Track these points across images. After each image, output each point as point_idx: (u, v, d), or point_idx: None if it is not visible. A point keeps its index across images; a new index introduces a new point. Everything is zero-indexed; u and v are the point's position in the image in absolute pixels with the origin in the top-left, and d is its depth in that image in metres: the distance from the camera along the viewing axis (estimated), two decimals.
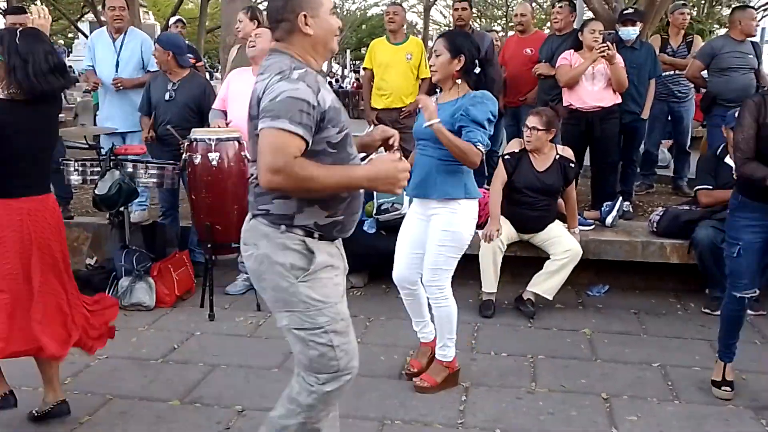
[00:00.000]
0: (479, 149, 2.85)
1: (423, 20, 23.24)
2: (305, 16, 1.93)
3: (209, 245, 4.04)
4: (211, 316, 4.00)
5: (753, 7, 5.89)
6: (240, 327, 3.92)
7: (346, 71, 35.99)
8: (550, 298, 4.09)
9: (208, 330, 3.86)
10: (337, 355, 2.00)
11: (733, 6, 6.01)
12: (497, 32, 10.57)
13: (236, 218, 3.98)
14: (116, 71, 5.06)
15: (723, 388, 3.08)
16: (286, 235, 1.93)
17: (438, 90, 3.20)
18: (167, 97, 4.53)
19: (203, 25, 15.32)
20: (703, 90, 5.67)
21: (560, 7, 5.41)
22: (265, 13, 2.11)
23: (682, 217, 4.29)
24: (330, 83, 26.27)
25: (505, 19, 26.07)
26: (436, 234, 2.99)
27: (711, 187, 4.21)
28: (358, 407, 2.96)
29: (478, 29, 6.96)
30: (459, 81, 2.96)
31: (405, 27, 6.02)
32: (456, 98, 2.95)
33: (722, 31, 20.51)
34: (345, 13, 34.54)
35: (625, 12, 5.10)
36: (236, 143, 3.99)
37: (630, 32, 5.02)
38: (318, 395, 2.03)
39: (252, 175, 1.98)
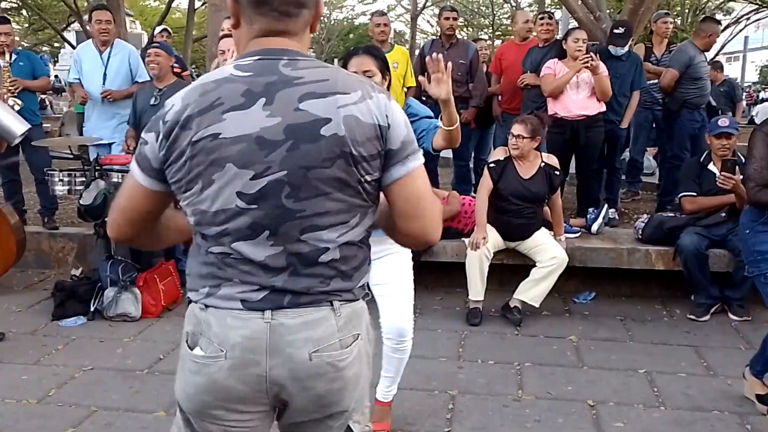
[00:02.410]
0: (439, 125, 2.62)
1: (410, 29, 23.33)
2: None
3: None
4: None
5: (719, 22, 6.03)
6: None
7: None
8: (537, 305, 4.11)
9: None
10: None
11: (704, 16, 6.15)
12: (485, 41, 10.65)
13: None
14: (104, 83, 5.05)
15: None
16: (365, 304, 1.44)
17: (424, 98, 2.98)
18: (152, 101, 4.53)
19: (190, 34, 15.27)
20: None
21: (549, 18, 5.46)
22: None
23: (667, 223, 4.33)
24: None
25: (491, 27, 26.26)
26: (402, 270, 2.63)
27: (695, 194, 4.25)
28: None
29: (465, 38, 6.98)
30: None
31: (392, 36, 6.05)
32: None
33: None
34: (332, 22, 34.68)
35: (615, 32, 5.14)
36: None
37: (619, 50, 5.09)
38: None
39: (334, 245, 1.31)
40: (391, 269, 2.57)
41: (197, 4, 16.39)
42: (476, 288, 4.10)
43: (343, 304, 1.33)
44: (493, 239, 4.14)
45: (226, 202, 1.26)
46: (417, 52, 6.48)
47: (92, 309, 4.08)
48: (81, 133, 5.96)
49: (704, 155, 4.34)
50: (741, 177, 3.41)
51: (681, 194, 4.36)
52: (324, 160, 1.24)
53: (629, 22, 5.36)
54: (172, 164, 1.28)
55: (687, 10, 17.35)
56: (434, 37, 6.82)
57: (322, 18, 1.52)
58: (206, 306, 1.33)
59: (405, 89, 5.56)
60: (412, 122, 2.25)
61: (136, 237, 1.43)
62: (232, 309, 1.30)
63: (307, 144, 1.23)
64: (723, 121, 4.19)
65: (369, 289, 1.49)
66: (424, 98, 5.73)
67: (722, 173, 3.77)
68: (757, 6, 17.37)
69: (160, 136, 1.28)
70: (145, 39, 13.49)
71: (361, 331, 1.37)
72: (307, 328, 1.29)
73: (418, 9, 22.69)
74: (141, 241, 1.47)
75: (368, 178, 1.28)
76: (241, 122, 1.24)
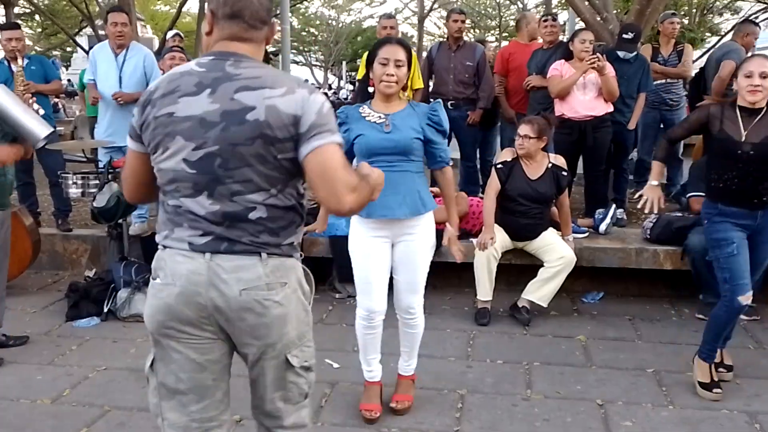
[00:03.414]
0: (450, 164, 2.89)
1: (417, 31, 23.37)
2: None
3: None
4: None
5: (758, 24, 6.04)
6: None
7: (341, 82, 36.18)
8: (545, 305, 4.13)
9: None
10: None
11: (744, 18, 6.24)
12: (491, 42, 10.66)
13: None
14: (119, 86, 5.09)
15: (715, 390, 3.12)
16: (298, 262, 1.78)
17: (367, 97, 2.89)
18: None
19: (200, 38, 15.41)
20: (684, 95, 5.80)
21: (553, 20, 5.48)
22: (242, 9, 1.67)
23: (675, 223, 4.34)
24: (326, 94, 26.43)
25: (498, 29, 26.25)
26: (423, 252, 2.83)
27: (703, 194, 4.24)
28: (356, 414, 2.99)
29: (471, 40, 7.00)
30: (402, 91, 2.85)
31: None
32: (405, 107, 2.79)
33: (714, 40, 20.71)
34: (341, 25, 34.77)
35: (624, 37, 5.15)
36: None
37: (628, 54, 5.11)
38: (309, 427, 1.89)
39: (251, 207, 1.64)
40: (412, 254, 2.82)
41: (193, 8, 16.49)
42: (484, 288, 4.13)
43: (270, 256, 1.67)
44: (501, 239, 4.16)
45: (176, 166, 1.64)
46: (425, 54, 6.52)
47: (106, 310, 4.14)
48: (92, 136, 6.01)
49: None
50: None
51: (689, 194, 4.37)
52: (247, 139, 1.59)
53: (638, 27, 5.36)
54: (143, 132, 1.69)
55: (695, 10, 17.27)
56: (441, 40, 6.83)
57: (330, 22, 2.11)
58: (164, 246, 1.71)
59: (413, 91, 5.60)
60: (433, 143, 2.80)
61: (147, 196, 1.85)
62: (182, 249, 1.66)
63: (236, 126, 1.59)
64: None
65: (302, 250, 1.77)
66: (431, 100, 5.79)
67: None
68: (765, 5, 17.27)
69: (139, 109, 1.70)
70: (157, 43, 13.58)
71: (289, 282, 1.70)
72: (239, 270, 1.64)
73: (425, 11, 22.73)
74: (154, 199, 1.81)
75: (282, 156, 1.61)
76: (190, 105, 1.62)
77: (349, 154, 2.80)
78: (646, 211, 3.23)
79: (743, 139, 2.96)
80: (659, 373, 3.41)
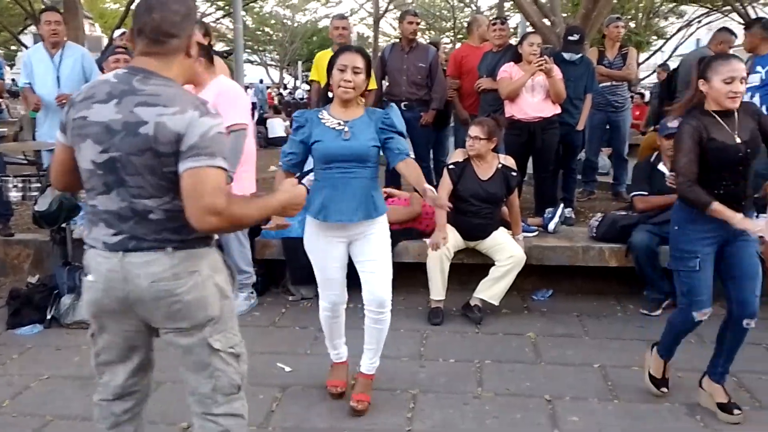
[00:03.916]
0: (412, 157, 2.95)
1: (373, 32, 23.42)
2: (193, 37, 1.86)
3: None
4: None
5: (734, 33, 6.18)
6: None
7: (297, 82, 35.97)
8: (497, 303, 4.19)
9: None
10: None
11: (721, 27, 6.41)
12: (446, 44, 10.76)
13: None
14: (58, 87, 4.94)
15: (661, 388, 3.16)
16: (217, 251, 1.96)
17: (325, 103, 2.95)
18: None
19: None
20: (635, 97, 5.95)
21: (502, 24, 5.56)
22: (143, 22, 1.80)
23: (620, 222, 4.45)
24: (281, 94, 26.22)
25: (453, 31, 26.50)
26: (381, 246, 2.95)
27: (646, 193, 4.38)
28: (307, 418, 2.98)
29: (425, 42, 7.05)
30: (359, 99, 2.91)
31: (354, 40, 6.09)
32: (363, 114, 2.88)
33: (660, 43, 21.37)
34: (296, 24, 34.56)
35: (569, 39, 5.26)
36: None
37: (573, 56, 5.21)
38: (246, 419, 2.04)
39: (147, 210, 1.80)
40: (374, 247, 2.92)
41: None
42: (437, 288, 4.16)
43: (176, 249, 1.83)
44: (453, 239, 4.21)
45: (87, 165, 1.82)
46: (379, 54, 6.53)
47: (49, 317, 4.02)
48: (34, 139, 5.83)
49: (654, 156, 4.47)
50: None
51: (633, 194, 4.49)
52: (139, 150, 1.75)
53: (582, 29, 5.49)
54: (65, 131, 1.87)
55: (641, 14, 17.77)
56: (394, 41, 6.86)
57: (285, 21, 2.16)
58: (89, 246, 1.90)
59: (366, 92, 5.60)
60: (389, 138, 2.85)
61: (72, 185, 1.99)
62: (98, 249, 1.85)
63: (131, 137, 1.75)
64: (673, 123, 4.32)
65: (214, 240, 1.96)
66: (385, 100, 5.81)
67: (672, 173, 3.89)
68: (707, 9, 17.90)
69: (66, 108, 1.88)
70: (105, 42, 13.26)
71: (200, 269, 1.86)
72: (147, 265, 1.81)
73: (381, 12, 22.79)
74: (80, 187, 1.96)
75: (168, 169, 1.76)
76: (100, 112, 1.78)
77: (303, 157, 2.90)
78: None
79: (738, 140, 2.77)
80: (605, 368, 3.49)
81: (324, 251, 2.94)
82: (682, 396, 3.17)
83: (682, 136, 2.80)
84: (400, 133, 2.91)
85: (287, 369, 3.49)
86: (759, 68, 4.93)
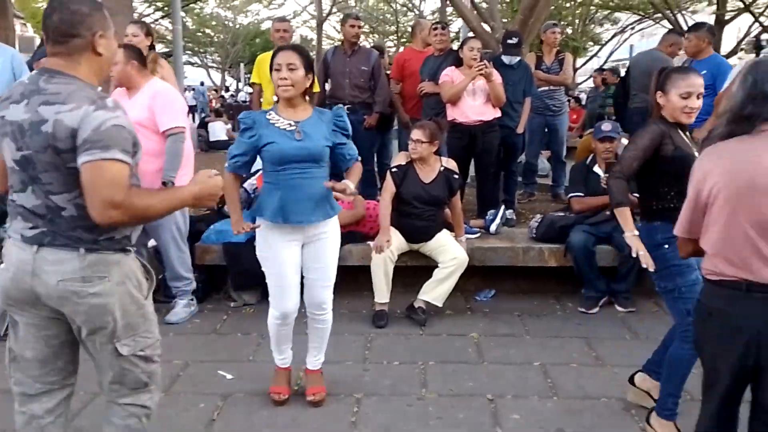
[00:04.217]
0: (359, 159, 3.00)
1: (316, 35, 23.34)
2: (100, 35, 1.88)
3: None
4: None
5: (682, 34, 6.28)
6: None
7: (240, 85, 35.47)
8: (440, 305, 4.23)
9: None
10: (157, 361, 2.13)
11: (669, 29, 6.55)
12: (389, 48, 10.81)
13: None
14: None
15: None
16: (132, 257, 2.01)
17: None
18: None
19: None
20: (573, 101, 6.08)
21: (443, 28, 5.63)
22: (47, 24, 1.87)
23: (558, 222, 4.57)
24: (222, 97, 25.80)
25: (396, 35, 26.66)
26: (334, 249, 3.00)
27: (582, 195, 4.51)
28: (250, 426, 2.94)
29: (368, 45, 7.07)
30: (305, 98, 2.86)
31: (297, 42, 6.05)
32: (312, 114, 2.86)
33: (595, 48, 22.05)
34: (238, 26, 34.09)
35: (508, 42, 5.37)
36: None
37: (512, 60, 5.32)
38: (152, 410, 2.12)
39: (61, 208, 1.85)
40: (327, 252, 2.97)
41: None
42: (381, 290, 4.17)
43: (89, 251, 1.87)
44: (396, 242, 4.23)
45: (9, 163, 1.90)
46: (322, 57, 6.52)
47: None
48: None
49: (590, 158, 4.61)
50: None
51: (570, 195, 4.62)
52: (42, 147, 1.80)
53: (519, 33, 5.61)
54: None
55: (577, 21, 18.31)
56: (336, 44, 6.85)
57: (226, 23, 2.17)
58: (9, 236, 1.96)
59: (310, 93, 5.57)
60: (340, 144, 2.88)
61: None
62: (16, 240, 1.92)
63: (36, 135, 1.81)
64: (606, 126, 4.48)
65: (135, 246, 2.02)
66: (328, 103, 5.79)
67: (606, 174, 4.02)
68: (640, 17, 18.59)
69: None
70: (38, 42, 12.76)
71: (111, 276, 1.90)
72: (59, 263, 1.86)
73: (324, 15, 22.72)
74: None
75: (71, 165, 1.79)
76: (15, 112, 1.85)
77: (250, 158, 2.88)
78: (644, 265, 2.68)
79: (696, 153, 2.64)
80: (545, 366, 3.57)
81: (280, 256, 2.90)
82: (618, 390, 3.27)
83: (643, 134, 2.74)
84: (349, 136, 2.95)
85: (229, 376, 3.43)
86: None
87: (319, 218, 2.87)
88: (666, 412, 2.80)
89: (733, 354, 1.95)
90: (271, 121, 2.82)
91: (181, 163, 3.94)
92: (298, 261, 2.95)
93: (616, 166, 2.80)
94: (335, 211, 2.95)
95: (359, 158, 2.99)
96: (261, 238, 2.93)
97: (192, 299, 4.35)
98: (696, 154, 2.63)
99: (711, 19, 15.11)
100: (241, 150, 2.84)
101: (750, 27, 16.20)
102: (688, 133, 2.80)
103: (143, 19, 19.81)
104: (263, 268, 2.98)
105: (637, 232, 2.74)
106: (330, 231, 2.97)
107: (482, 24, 6.32)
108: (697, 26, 5.59)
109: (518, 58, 5.37)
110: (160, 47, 26.73)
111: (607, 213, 4.45)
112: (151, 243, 4.47)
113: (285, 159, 2.78)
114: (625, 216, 2.75)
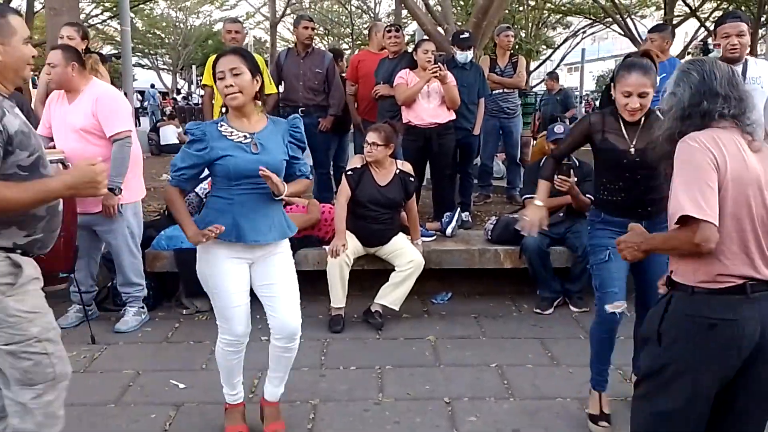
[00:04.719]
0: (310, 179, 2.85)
1: (270, 37, 23.10)
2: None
3: None
4: None
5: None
6: (72, 363, 3.48)
7: (192, 87, 34.88)
8: (397, 308, 4.21)
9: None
10: (52, 362, 2.09)
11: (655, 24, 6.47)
12: (345, 50, 10.77)
13: (62, 246, 3.71)
14: None
15: (601, 423, 2.93)
16: (5, 256, 1.99)
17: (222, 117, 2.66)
18: None
19: (29, 38, 14.09)
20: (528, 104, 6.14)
21: (396, 31, 5.62)
22: None
23: (513, 224, 4.59)
24: (175, 99, 25.29)
25: (351, 37, 26.63)
26: (288, 270, 2.75)
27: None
28: None
29: (322, 47, 7.03)
30: (256, 104, 2.64)
31: (251, 44, 5.96)
32: (267, 124, 2.65)
33: (548, 52, 22.43)
34: (189, 28, 33.51)
35: (460, 36, 5.40)
36: (60, 166, 3.71)
37: (466, 56, 5.34)
38: (41, 408, 2.09)
39: None
40: (277, 269, 2.70)
41: (37, 7, 15.20)
42: (337, 295, 4.13)
43: None
44: (352, 246, 4.19)
45: None
46: (275, 59, 6.44)
47: None
48: None
49: (544, 160, 4.65)
50: (576, 179, 3.67)
51: (524, 197, 4.65)
52: None
53: (469, 30, 5.65)
54: None
55: (530, 24, 18.60)
56: (290, 46, 6.78)
57: (177, 24, 2.17)
58: None
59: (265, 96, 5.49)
60: (294, 158, 2.69)
61: None
62: None
63: None
64: (558, 128, 4.53)
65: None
66: (281, 105, 5.72)
67: (559, 176, 4.03)
68: (592, 21, 18.99)
69: None
70: None
71: None
72: None
73: (278, 17, 22.53)
74: None
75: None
76: None
77: (198, 172, 2.64)
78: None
79: (630, 148, 2.78)
80: (501, 367, 3.59)
81: (228, 275, 2.63)
82: (573, 390, 3.31)
83: (578, 123, 2.96)
84: (304, 149, 2.76)
85: (181, 386, 3.34)
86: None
87: (276, 237, 2.66)
88: (593, 382, 3.03)
89: (733, 359, 1.88)
90: (223, 133, 2.56)
91: (127, 168, 3.86)
92: (247, 281, 2.69)
93: (554, 147, 3.01)
94: (292, 230, 2.75)
95: (311, 177, 2.79)
96: (203, 255, 2.66)
97: (142, 307, 4.23)
98: (631, 149, 2.77)
99: None
100: (189, 163, 2.58)
101: (696, 31, 16.73)
102: (642, 127, 2.76)
103: (90, 20, 19.29)
104: (205, 288, 2.70)
105: (540, 203, 2.98)
106: (284, 249, 2.76)
107: (436, 27, 6.33)
108: (661, 27, 5.59)
109: (471, 56, 5.38)
110: (108, 49, 26.09)
111: (561, 215, 4.51)
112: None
113: (241, 174, 2.54)
114: (540, 188, 3.04)
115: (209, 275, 2.66)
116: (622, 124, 2.81)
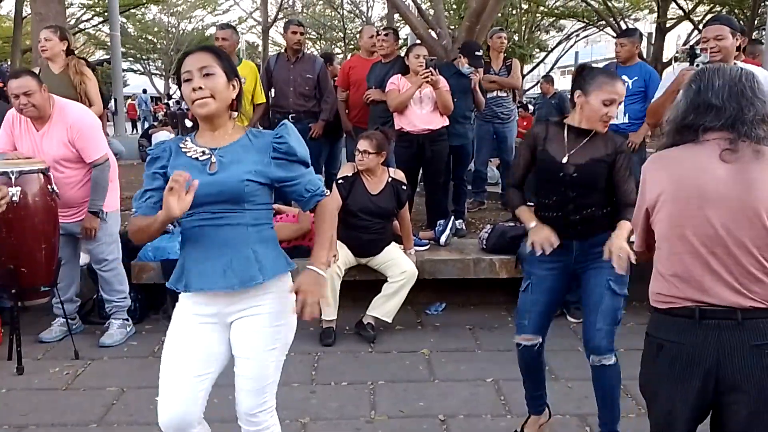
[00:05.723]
0: (328, 194, 2.22)
1: (262, 41, 23.00)
2: None
3: (14, 291, 3.62)
4: (19, 369, 3.58)
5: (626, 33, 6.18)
6: (54, 379, 3.52)
7: None
8: (390, 320, 4.11)
9: (16, 385, 3.46)
10: None
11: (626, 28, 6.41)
12: (337, 55, 10.70)
13: (44, 259, 3.64)
14: None
15: None
16: None
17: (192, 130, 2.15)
18: None
19: (18, 44, 13.97)
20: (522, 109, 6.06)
21: (386, 35, 5.53)
22: None
23: (508, 233, 4.51)
24: (167, 104, 25.18)
25: (343, 41, 26.57)
26: (265, 335, 2.04)
27: (533, 204, 4.44)
28: None
29: (314, 53, 6.93)
30: (231, 115, 2.09)
31: (243, 49, 5.87)
32: (240, 137, 2.06)
33: (542, 55, 22.45)
34: (181, 33, 33.39)
35: (475, 53, 5.32)
36: (41, 176, 3.61)
37: (467, 68, 5.25)
38: None
39: None
40: (247, 337, 2.04)
41: (26, 12, 15.07)
42: (328, 307, 4.01)
43: None
44: (343, 256, 4.09)
45: None
46: (264, 65, 6.34)
47: None
48: None
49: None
50: None
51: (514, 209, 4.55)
52: None
53: (478, 44, 5.58)
54: None
55: (524, 27, 18.59)
56: (279, 51, 6.68)
57: (169, 29, 1.79)
58: None
59: (254, 105, 5.40)
60: (288, 180, 2.06)
61: None
62: None
63: None
64: None
65: None
66: (271, 112, 5.62)
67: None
68: (585, 24, 19.00)
69: None
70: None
71: None
72: None
73: (270, 21, 22.44)
74: None
75: None
76: None
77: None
78: (538, 252, 2.64)
79: (566, 160, 2.61)
80: (498, 382, 3.48)
81: (181, 339, 2.05)
82: (572, 406, 3.21)
83: (522, 141, 2.86)
84: (304, 162, 2.08)
85: None
86: (625, 78, 5.05)
87: (232, 284, 1.98)
88: (527, 404, 2.94)
89: (692, 391, 1.79)
90: (183, 149, 2.04)
91: (108, 188, 3.89)
92: (205, 349, 2.05)
93: (509, 179, 2.85)
94: (267, 274, 2.01)
95: (327, 192, 2.17)
96: (176, 309, 2.14)
97: (128, 320, 4.12)
98: (563, 162, 2.64)
99: (652, 27, 15.55)
100: (151, 185, 2.04)
101: (689, 34, 16.75)
102: (586, 141, 2.62)
103: (81, 25, 19.19)
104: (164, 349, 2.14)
105: (534, 224, 2.71)
106: (267, 304, 2.04)
107: (429, 31, 6.24)
108: (630, 32, 5.61)
109: (472, 70, 5.30)
110: (100, 54, 25.99)
111: None
112: (84, 260, 4.24)
113: (192, 200, 1.88)
114: (523, 214, 2.79)
115: (167, 334, 2.12)
116: (566, 134, 2.65)
